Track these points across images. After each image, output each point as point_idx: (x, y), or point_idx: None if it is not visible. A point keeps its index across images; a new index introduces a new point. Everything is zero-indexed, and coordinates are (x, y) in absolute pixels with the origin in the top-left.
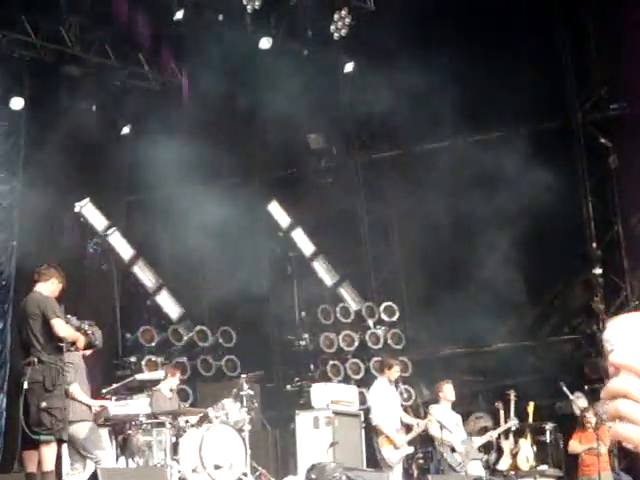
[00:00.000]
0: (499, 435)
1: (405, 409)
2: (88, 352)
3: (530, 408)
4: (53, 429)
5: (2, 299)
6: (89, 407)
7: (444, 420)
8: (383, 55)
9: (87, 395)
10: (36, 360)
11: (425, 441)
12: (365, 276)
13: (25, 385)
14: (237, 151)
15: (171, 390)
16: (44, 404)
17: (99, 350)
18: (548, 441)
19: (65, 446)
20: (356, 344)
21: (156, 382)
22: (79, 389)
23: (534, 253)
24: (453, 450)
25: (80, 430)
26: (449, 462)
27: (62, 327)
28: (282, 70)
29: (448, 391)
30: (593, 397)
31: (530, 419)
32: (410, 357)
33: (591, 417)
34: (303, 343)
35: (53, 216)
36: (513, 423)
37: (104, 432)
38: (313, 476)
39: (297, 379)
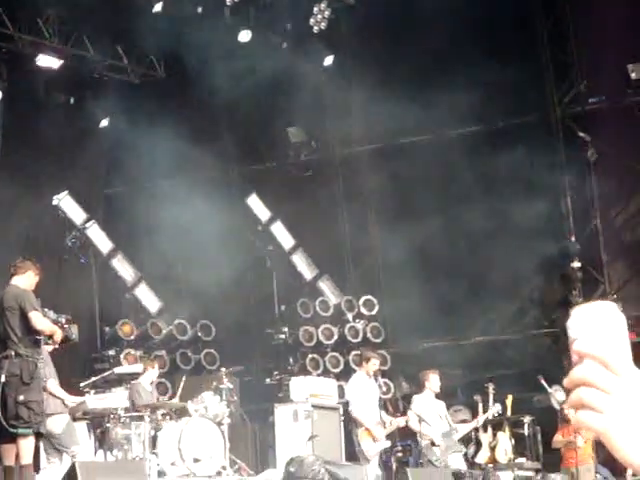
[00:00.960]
0: (477, 428)
1: (384, 402)
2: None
3: (508, 401)
4: (31, 422)
5: None
6: (63, 400)
7: (426, 411)
8: (363, 48)
9: (59, 388)
10: (13, 353)
11: (404, 434)
12: (344, 270)
13: (2, 378)
14: (216, 144)
15: (151, 383)
16: (22, 397)
17: (77, 344)
18: (526, 434)
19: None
20: (335, 338)
21: (135, 375)
22: (55, 384)
23: (513, 247)
24: (433, 444)
25: (55, 423)
26: (428, 456)
27: (40, 320)
28: (261, 63)
29: (434, 381)
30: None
31: (508, 412)
32: (389, 350)
33: (570, 410)
34: (282, 337)
35: (31, 209)
36: (496, 409)
37: (82, 425)
38: (292, 469)
39: (276, 373)
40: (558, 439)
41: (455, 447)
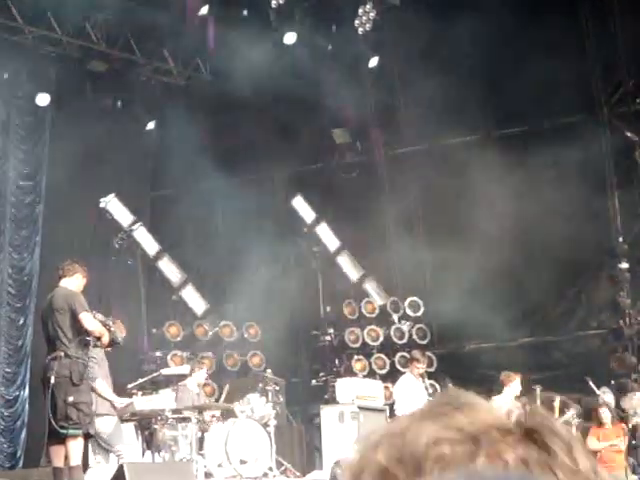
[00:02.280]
0: None
1: None
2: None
3: (556, 403)
4: (81, 423)
5: (24, 294)
6: (111, 402)
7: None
8: (408, 49)
9: (110, 389)
10: (63, 355)
11: None
12: (390, 271)
13: (52, 380)
14: (262, 146)
15: (198, 385)
16: (71, 399)
17: (124, 345)
18: None
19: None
20: (381, 339)
21: (182, 377)
22: (104, 384)
23: (560, 248)
24: None
25: (103, 424)
26: None
27: (91, 321)
28: (307, 65)
29: (515, 384)
30: (619, 392)
31: (556, 414)
32: (435, 352)
33: (604, 412)
34: (328, 338)
35: (78, 212)
36: (571, 414)
37: (130, 426)
38: (339, 471)
39: (322, 374)
40: (594, 442)
41: None
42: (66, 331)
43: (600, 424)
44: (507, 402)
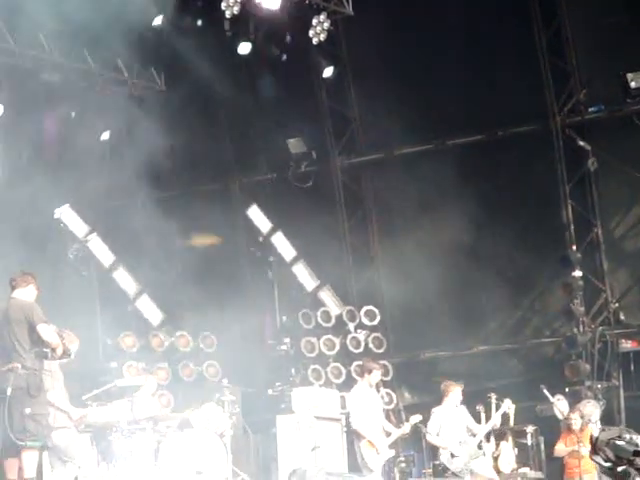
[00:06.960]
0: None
1: (386, 413)
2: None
3: (511, 411)
4: (38, 435)
5: None
6: (68, 413)
7: (445, 423)
8: (362, 59)
9: (67, 401)
10: (19, 366)
11: (407, 444)
12: (346, 280)
13: (8, 391)
14: (217, 156)
15: (152, 395)
16: (28, 410)
17: (78, 356)
18: (529, 444)
19: (45, 452)
20: (337, 348)
21: (137, 388)
22: (58, 396)
23: (514, 256)
24: (453, 455)
25: (61, 437)
26: (450, 469)
27: (49, 332)
28: (261, 75)
29: (456, 394)
30: (574, 399)
31: (511, 422)
32: (391, 361)
33: (576, 418)
34: (284, 348)
35: (32, 222)
36: (507, 405)
37: (85, 438)
38: None
39: (278, 384)
40: (561, 448)
41: (476, 453)
42: (23, 342)
43: (569, 430)
44: (446, 412)
